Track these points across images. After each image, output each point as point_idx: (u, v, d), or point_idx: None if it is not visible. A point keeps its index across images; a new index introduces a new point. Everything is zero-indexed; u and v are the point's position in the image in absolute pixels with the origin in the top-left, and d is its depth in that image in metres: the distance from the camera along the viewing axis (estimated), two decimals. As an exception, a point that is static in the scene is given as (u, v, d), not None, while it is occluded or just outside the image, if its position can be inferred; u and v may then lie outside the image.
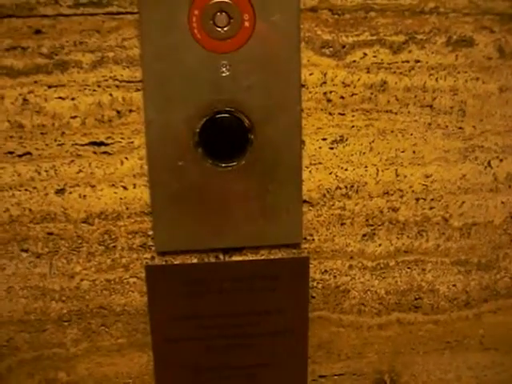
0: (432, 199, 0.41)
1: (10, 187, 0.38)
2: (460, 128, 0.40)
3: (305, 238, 0.41)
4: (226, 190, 0.39)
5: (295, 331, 0.42)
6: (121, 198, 0.39)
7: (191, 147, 0.38)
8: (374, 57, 0.38)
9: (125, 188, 0.39)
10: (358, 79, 0.39)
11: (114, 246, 0.40)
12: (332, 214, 0.41)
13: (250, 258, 0.41)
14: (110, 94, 0.37)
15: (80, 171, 0.38)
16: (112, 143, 0.38)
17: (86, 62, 0.37)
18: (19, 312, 0.41)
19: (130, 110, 0.38)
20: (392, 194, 0.41)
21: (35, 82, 0.37)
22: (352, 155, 0.40)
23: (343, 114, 0.39)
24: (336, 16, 0.38)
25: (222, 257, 0.41)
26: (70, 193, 0.39)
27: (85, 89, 0.37)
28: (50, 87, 0.37)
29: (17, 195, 0.39)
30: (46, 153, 0.38)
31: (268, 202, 0.39)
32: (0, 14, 0.35)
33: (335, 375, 0.44)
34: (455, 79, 0.40)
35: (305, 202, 0.40)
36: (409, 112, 0.40)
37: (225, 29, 0.36)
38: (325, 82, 0.38)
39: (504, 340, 0.45)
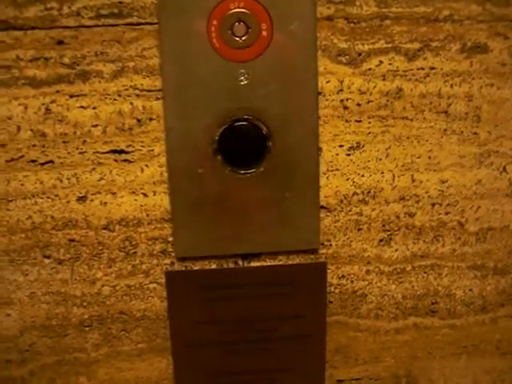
0: (448, 204, 0.42)
1: (32, 195, 0.39)
2: (475, 133, 0.41)
3: (322, 244, 0.41)
4: (245, 197, 0.39)
5: (313, 336, 0.42)
6: (141, 205, 0.40)
7: (210, 155, 0.38)
8: (390, 64, 0.39)
9: (145, 195, 0.40)
10: (374, 86, 0.39)
11: (135, 252, 0.40)
12: (349, 220, 0.41)
13: (269, 264, 0.41)
14: (131, 103, 0.38)
15: (101, 179, 0.39)
16: (132, 151, 0.39)
17: (106, 72, 0.38)
18: (41, 317, 0.41)
19: (150, 119, 0.38)
20: (408, 200, 0.41)
21: (57, 91, 0.38)
22: (368, 161, 0.40)
23: (360, 121, 0.40)
24: (352, 24, 0.38)
25: (240, 262, 0.41)
26: (92, 200, 0.39)
27: (106, 98, 0.38)
28: (71, 97, 0.38)
29: (39, 203, 0.39)
30: (68, 161, 0.39)
31: (286, 208, 0.39)
32: (24, 26, 0.36)
33: (353, 380, 0.45)
34: (470, 85, 0.40)
35: (322, 207, 0.41)
36: (424, 118, 0.40)
37: (243, 38, 0.37)
38: (341, 90, 0.39)
39: (520, 344, 0.46)
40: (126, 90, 0.38)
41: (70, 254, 0.40)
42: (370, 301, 0.43)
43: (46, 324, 0.41)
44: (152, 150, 0.39)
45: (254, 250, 0.41)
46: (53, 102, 0.38)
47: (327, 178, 0.40)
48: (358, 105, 0.39)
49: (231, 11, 0.36)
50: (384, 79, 0.39)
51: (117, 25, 0.37)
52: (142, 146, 0.39)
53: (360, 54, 0.39)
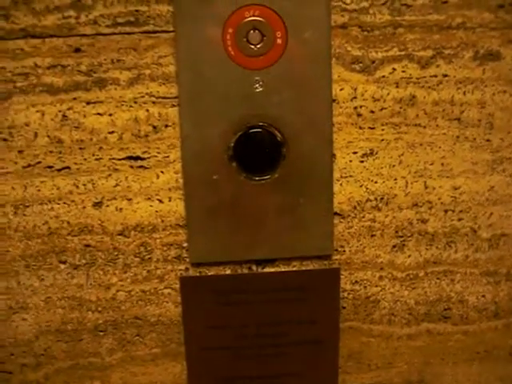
0: (460, 211, 0.42)
1: (49, 200, 0.40)
2: (488, 140, 0.41)
3: (336, 250, 0.42)
4: (259, 203, 0.39)
5: (326, 341, 0.42)
6: (156, 211, 0.40)
7: (225, 161, 0.39)
8: (403, 72, 0.39)
9: (160, 201, 0.40)
10: (388, 94, 0.39)
11: (150, 258, 0.41)
12: (362, 226, 0.41)
13: (283, 270, 0.42)
14: (147, 110, 0.39)
15: (117, 185, 0.40)
16: (148, 157, 0.39)
17: (123, 79, 0.38)
18: (57, 322, 0.42)
19: (166, 126, 0.39)
20: (421, 206, 0.41)
21: (74, 98, 0.38)
22: (382, 168, 0.41)
23: (373, 128, 0.40)
24: (365, 32, 0.38)
25: (254, 268, 0.42)
26: (107, 206, 0.40)
27: (122, 105, 0.38)
28: (88, 103, 0.38)
29: (55, 208, 0.40)
30: (84, 167, 0.39)
31: (300, 214, 0.40)
32: (43, 35, 0.37)
33: (365, 385, 0.45)
34: (482, 92, 0.40)
35: (336, 214, 0.41)
36: (437, 125, 0.40)
37: (258, 46, 0.37)
38: (355, 97, 0.39)
39: (533, 351, 0.46)
40: (142, 97, 0.38)
41: (85, 260, 0.41)
42: (382, 306, 0.43)
43: (61, 329, 0.42)
44: (167, 157, 0.39)
45: (268, 256, 0.41)
46: (70, 108, 0.38)
47: (341, 184, 0.41)
48: (372, 112, 0.40)
49: (246, 19, 0.37)
50: (397, 86, 0.39)
51: (133, 33, 0.38)
52: (158, 153, 0.39)
53: (373, 62, 0.39)
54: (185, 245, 0.41)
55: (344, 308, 0.43)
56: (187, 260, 0.41)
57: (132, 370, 0.43)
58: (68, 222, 0.40)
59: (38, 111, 0.38)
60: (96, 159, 0.39)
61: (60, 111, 0.38)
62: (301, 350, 0.42)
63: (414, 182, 0.41)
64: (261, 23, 0.37)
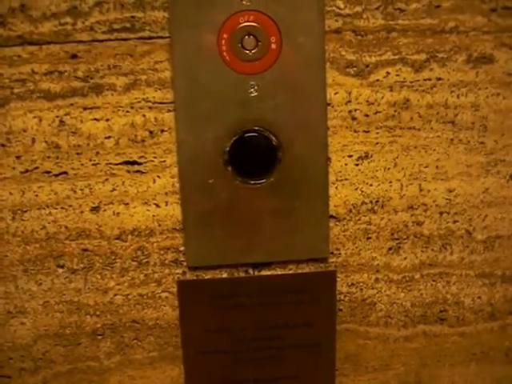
0: (455, 213, 0.42)
1: (46, 205, 0.40)
2: (482, 143, 0.41)
3: (332, 253, 0.42)
4: (255, 207, 0.40)
5: (323, 344, 0.43)
6: (153, 215, 0.40)
7: (221, 165, 0.39)
8: (397, 75, 0.40)
9: (157, 205, 0.40)
10: (382, 97, 0.40)
11: (147, 262, 0.41)
12: (358, 229, 0.42)
13: (279, 273, 0.42)
14: (143, 115, 0.39)
15: (114, 189, 0.40)
16: (145, 162, 0.40)
17: (119, 85, 0.38)
18: (55, 326, 0.42)
19: (162, 130, 0.39)
20: (416, 209, 0.42)
21: (71, 104, 0.38)
22: (377, 171, 0.41)
23: (368, 132, 0.40)
24: (359, 37, 0.39)
25: (251, 271, 0.42)
26: (105, 210, 0.40)
27: (118, 110, 0.39)
28: (85, 109, 0.39)
29: (53, 213, 0.40)
30: (82, 172, 0.39)
31: (295, 217, 0.40)
32: (40, 41, 0.37)
33: (362, 387, 0.45)
34: (476, 95, 0.41)
35: (331, 217, 0.41)
36: (431, 128, 0.41)
37: (253, 51, 0.38)
38: (349, 101, 0.40)
39: (529, 352, 0.46)
40: (139, 102, 0.39)
41: (83, 264, 0.41)
42: (379, 309, 0.43)
43: (60, 333, 0.42)
44: (164, 161, 0.40)
45: (265, 259, 0.41)
46: (67, 114, 0.39)
47: (336, 187, 0.41)
48: (366, 115, 0.40)
49: (241, 25, 0.37)
50: (391, 90, 0.40)
51: (129, 39, 0.38)
52: (154, 158, 0.39)
53: (367, 66, 0.39)
54: (182, 249, 0.41)
55: (340, 310, 0.43)
56: (184, 264, 0.41)
57: (130, 374, 0.43)
58: (66, 227, 0.40)
59: (35, 117, 0.38)
60: (93, 164, 0.39)
61: (57, 117, 0.39)
62: (298, 352, 0.43)
63: (409, 184, 0.41)
64: (255, 29, 0.37)
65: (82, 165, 0.39)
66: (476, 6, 0.39)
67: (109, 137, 0.39)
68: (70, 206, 0.40)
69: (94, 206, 0.40)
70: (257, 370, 0.43)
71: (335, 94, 0.39)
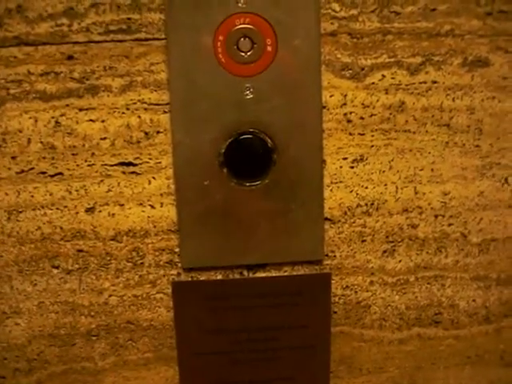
0: (451, 216, 0.42)
1: (42, 206, 0.40)
2: (477, 146, 0.41)
3: (327, 255, 0.42)
4: (250, 209, 0.40)
5: (317, 346, 0.43)
6: (148, 217, 0.40)
7: (216, 167, 0.39)
8: (392, 78, 0.40)
9: (152, 207, 0.40)
10: (377, 100, 0.40)
11: (142, 263, 0.41)
12: (353, 231, 0.42)
13: (274, 275, 0.42)
14: (139, 117, 0.39)
15: (109, 190, 0.40)
16: (140, 163, 0.40)
17: (115, 86, 0.38)
18: (50, 326, 0.42)
19: (158, 132, 0.39)
20: (411, 211, 0.42)
21: (67, 105, 0.39)
22: (372, 174, 0.41)
23: (363, 134, 0.40)
24: (355, 40, 0.39)
25: (246, 273, 0.42)
26: (100, 211, 0.40)
27: (114, 111, 0.39)
28: (81, 110, 0.39)
29: (48, 214, 0.40)
30: (77, 173, 0.40)
31: (291, 219, 0.40)
32: (36, 42, 0.37)
33: (357, 390, 0.45)
34: (471, 99, 0.41)
35: (326, 219, 0.41)
36: (427, 131, 0.41)
37: (248, 53, 0.38)
38: (345, 104, 0.40)
39: (524, 355, 0.46)
40: (134, 103, 0.39)
41: (78, 265, 0.41)
42: (373, 311, 0.43)
43: (54, 333, 0.42)
44: (159, 163, 0.40)
45: (260, 261, 0.41)
46: (62, 115, 0.39)
47: (331, 190, 0.41)
48: (362, 118, 0.40)
49: (237, 27, 0.37)
50: (387, 93, 0.40)
51: (125, 40, 0.38)
52: (150, 159, 0.40)
53: (363, 69, 0.39)
54: (177, 250, 0.41)
55: (335, 313, 0.43)
56: (179, 265, 0.41)
57: (124, 375, 0.43)
58: (61, 228, 0.40)
59: (31, 118, 0.39)
60: (88, 165, 0.39)
61: (53, 118, 0.39)
62: (292, 354, 0.43)
63: (404, 187, 0.41)
64: (251, 31, 0.37)
65: (78, 166, 0.39)
66: (471, 10, 0.39)
67: (104, 138, 0.39)
68: (66, 206, 0.40)
69: (89, 206, 0.40)
70: (251, 372, 0.43)
71: (331, 96, 0.39)
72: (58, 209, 0.40)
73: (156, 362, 0.43)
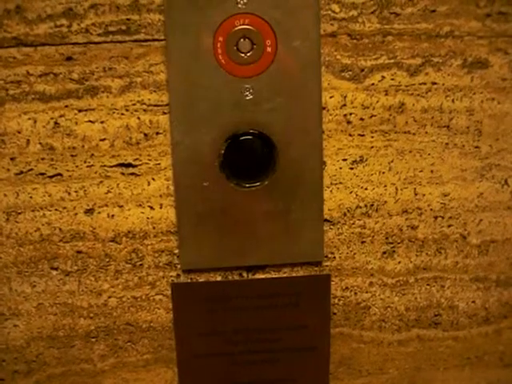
0: (450, 217, 0.42)
1: (40, 207, 0.40)
2: (476, 147, 0.41)
3: (326, 256, 0.42)
4: (250, 210, 0.40)
5: (317, 347, 0.43)
6: (148, 218, 0.40)
7: (216, 168, 0.39)
8: (392, 79, 0.40)
9: (152, 208, 0.40)
10: (377, 101, 0.40)
11: (141, 264, 0.41)
12: (352, 233, 0.42)
13: (273, 276, 0.42)
14: (138, 118, 0.39)
15: (108, 192, 0.40)
16: (139, 165, 0.39)
17: (114, 87, 0.38)
18: (48, 328, 0.42)
19: (157, 133, 0.39)
20: (411, 213, 0.42)
21: (66, 106, 0.38)
22: (372, 175, 0.41)
23: (363, 135, 0.40)
24: (355, 41, 0.39)
25: (245, 275, 0.42)
26: (99, 213, 0.40)
27: (113, 112, 0.39)
28: (80, 111, 0.39)
29: (47, 215, 0.40)
30: (76, 174, 0.39)
31: (290, 221, 0.40)
32: (35, 43, 0.37)
33: (356, 391, 0.45)
34: (471, 100, 0.41)
35: (326, 220, 0.41)
36: (426, 132, 0.41)
37: (248, 54, 0.38)
38: (345, 105, 0.40)
39: (524, 356, 0.46)
40: (134, 104, 0.39)
41: (77, 266, 0.41)
42: (373, 313, 0.43)
43: (53, 335, 0.42)
44: (159, 164, 0.40)
45: (259, 263, 0.41)
46: (61, 116, 0.39)
47: (331, 191, 0.41)
48: (361, 119, 0.40)
49: (236, 28, 0.37)
50: (386, 94, 0.40)
51: (125, 41, 0.38)
52: (149, 160, 0.39)
53: (363, 70, 0.39)
54: (176, 251, 0.41)
55: (335, 314, 0.43)
56: (178, 267, 0.41)
57: (124, 376, 0.43)
58: (60, 229, 0.40)
59: (30, 119, 0.38)
60: (88, 166, 0.39)
61: (52, 119, 0.39)
62: (292, 356, 0.43)
63: (404, 188, 0.41)
64: (251, 32, 0.37)
65: (77, 167, 0.39)
66: (471, 11, 0.39)
67: (103, 139, 0.39)
68: (65, 208, 0.40)
69: (88, 208, 0.40)
70: (251, 373, 0.43)
71: (330, 97, 0.39)
72: (56, 210, 0.40)
73: (155, 364, 0.43)
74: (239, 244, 0.40)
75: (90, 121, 0.39)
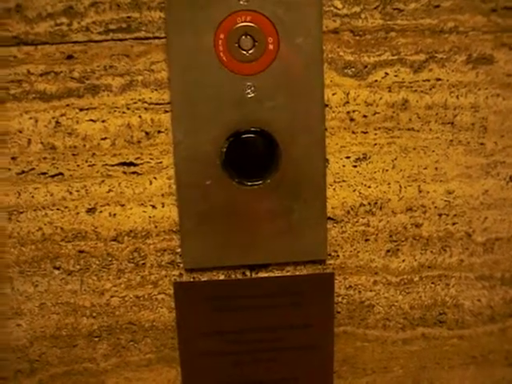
0: (455, 215, 0.42)
1: (42, 207, 0.40)
2: (481, 144, 0.41)
3: (330, 255, 0.42)
4: (252, 208, 0.39)
5: (321, 346, 0.42)
6: (150, 217, 0.40)
7: (218, 167, 0.39)
8: (396, 76, 0.39)
9: (154, 207, 0.40)
10: (380, 98, 0.39)
11: (143, 264, 0.41)
12: (356, 231, 0.41)
13: (276, 275, 0.42)
14: (139, 116, 0.39)
15: (110, 191, 0.40)
16: (141, 163, 0.39)
17: (115, 86, 0.38)
18: (51, 328, 0.42)
19: (159, 131, 0.39)
20: (415, 210, 0.41)
21: (67, 105, 0.38)
22: (375, 172, 0.41)
23: (366, 133, 0.40)
24: (357, 37, 0.38)
25: (248, 273, 0.41)
26: (101, 212, 0.40)
27: (115, 111, 0.39)
28: (81, 110, 0.38)
29: (49, 214, 0.40)
30: (78, 173, 0.39)
31: (293, 219, 0.40)
32: (36, 42, 0.37)
33: (361, 390, 0.45)
34: (476, 96, 0.40)
35: (329, 218, 0.41)
36: (430, 129, 0.40)
37: (250, 52, 0.37)
38: (348, 102, 0.39)
39: (529, 355, 0.45)
40: (135, 103, 0.38)
41: (79, 265, 0.41)
42: (377, 311, 0.43)
43: (56, 334, 0.42)
44: (160, 163, 0.39)
45: (262, 261, 0.41)
46: (63, 115, 0.38)
47: (334, 189, 0.41)
48: (365, 116, 0.40)
49: (238, 25, 0.37)
50: (390, 91, 0.39)
51: (125, 39, 0.38)
52: (151, 159, 0.39)
53: (366, 67, 0.39)
54: (178, 250, 0.41)
55: (338, 313, 0.43)
56: (181, 265, 0.41)
57: (126, 376, 0.43)
58: (62, 228, 0.40)
59: (31, 118, 0.38)
60: (89, 165, 0.39)
61: (53, 118, 0.38)
62: (296, 355, 0.42)
63: (408, 186, 0.41)
64: (252, 29, 0.37)
65: (78, 166, 0.39)
66: (476, 6, 0.39)
67: (105, 138, 0.39)
68: (66, 207, 0.40)
69: (90, 207, 0.40)
70: (254, 372, 0.43)
71: (333, 94, 0.39)
72: (58, 209, 0.40)
73: (158, 363, 0.43)
74: (242, 243, 0.40)
75: (92, 120, 0.39)
